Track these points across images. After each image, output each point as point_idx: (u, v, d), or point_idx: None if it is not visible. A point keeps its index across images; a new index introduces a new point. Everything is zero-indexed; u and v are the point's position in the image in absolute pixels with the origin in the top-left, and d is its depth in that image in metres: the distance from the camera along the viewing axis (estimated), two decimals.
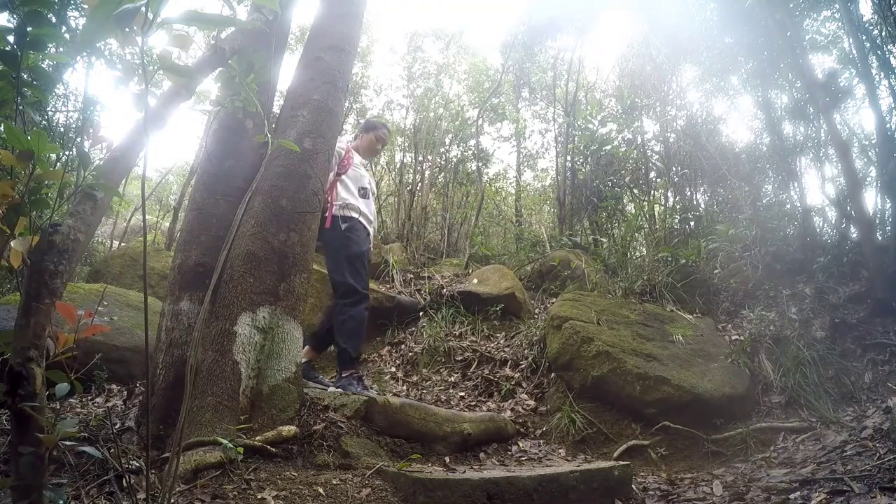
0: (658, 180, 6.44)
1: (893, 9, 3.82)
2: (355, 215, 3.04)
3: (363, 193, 3.14)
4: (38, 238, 1.05)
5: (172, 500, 1.41)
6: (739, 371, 3.07)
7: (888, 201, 3.90)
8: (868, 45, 3.93)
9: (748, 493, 1.85)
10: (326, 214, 2.97)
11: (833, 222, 4.58)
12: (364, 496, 1.64)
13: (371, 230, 3.16)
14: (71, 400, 2.58)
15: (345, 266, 2.94)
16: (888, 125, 3.84)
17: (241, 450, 1.72)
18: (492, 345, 4.16)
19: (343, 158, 3.15)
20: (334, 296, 3.03)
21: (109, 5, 0.72)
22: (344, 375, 2.81)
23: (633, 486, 1.99)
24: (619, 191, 6.55)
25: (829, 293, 3.58)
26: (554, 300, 4.49)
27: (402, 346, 4.36)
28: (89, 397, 2.74)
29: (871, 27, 4.07)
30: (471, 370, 3.85)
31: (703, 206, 5.75)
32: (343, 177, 3.11)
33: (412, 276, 5.44)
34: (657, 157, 6.53)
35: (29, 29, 1.02)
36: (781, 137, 4.91)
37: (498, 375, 3.72)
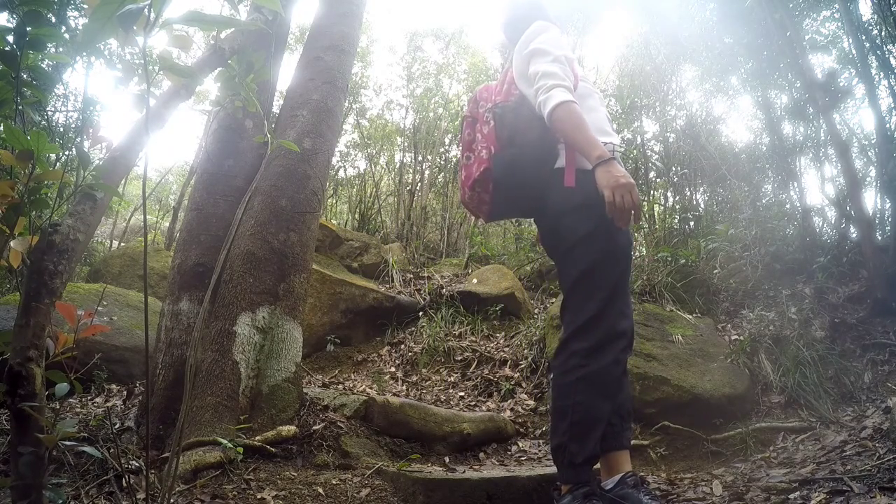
0: (658, 180, 6.43)
1: (893, 9, 3.82)
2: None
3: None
4: (38, 238, 1.05)
5: (172, 500, 1.41)
6: (739, 371, 3.07)
7: (888, 201, 3.91)
8: (868, 45, 3.93)
9: (748, 493, 1.85)
10: (557, 166, 1.55)
11: (833, 222, 4.59)
12: (364, 496, 1.64)
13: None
14: (71, 400, 2.58)
15: (576, 274, 1.51)
16: (888, 125, 3.84)
17: (240, 450, 1.72)
18: (491, 345, 4.16)
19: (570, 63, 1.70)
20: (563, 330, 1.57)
21: (112, 5, 0.72)
22: (565, 496, 1.41)
23: None
24: None
25: (828, 293, 3.59)
26: (553, 300, 4.50)
27: (402, 346, 4.35)
28: (89, 397, 2.74)
29: (870, 27, 4.07)
30: (470, 370, 3.85)
31: (702, 206, 5.74)
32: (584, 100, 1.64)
33: (412, 275, 5.44)
34: (657, 157, 6.52)
35: (29, 29, 1.02)
36: (781, 137, 4.91)
37: (497, 375, 3.72)
